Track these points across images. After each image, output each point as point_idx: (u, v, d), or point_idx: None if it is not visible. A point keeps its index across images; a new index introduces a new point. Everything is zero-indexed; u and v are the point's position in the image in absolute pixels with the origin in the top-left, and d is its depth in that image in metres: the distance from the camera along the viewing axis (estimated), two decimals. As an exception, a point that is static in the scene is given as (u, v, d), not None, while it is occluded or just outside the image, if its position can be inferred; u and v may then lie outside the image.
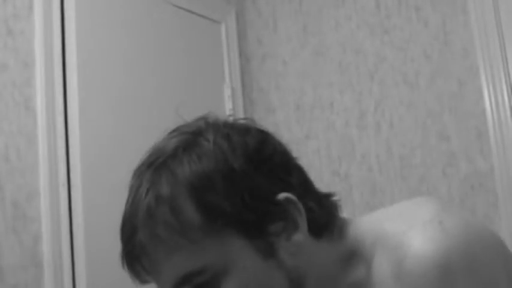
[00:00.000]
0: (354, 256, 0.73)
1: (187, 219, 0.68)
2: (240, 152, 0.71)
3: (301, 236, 0.71)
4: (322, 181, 2.44)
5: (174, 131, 0.75)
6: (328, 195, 0.78)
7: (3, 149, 1.70)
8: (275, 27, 2.69)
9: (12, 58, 1.76)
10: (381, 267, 0.69)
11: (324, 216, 0.74)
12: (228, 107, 2.54)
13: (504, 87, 2.17)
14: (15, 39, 1.78)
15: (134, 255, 0.70)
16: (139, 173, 0.72)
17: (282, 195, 0.71)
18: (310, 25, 2.60)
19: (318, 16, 2.59)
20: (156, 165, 0.71)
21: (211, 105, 2.47)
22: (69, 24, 1.90)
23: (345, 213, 0.80)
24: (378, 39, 2.43)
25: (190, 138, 0.72)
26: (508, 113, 2.15)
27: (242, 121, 0.78)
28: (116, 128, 2.00)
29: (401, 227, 0.69)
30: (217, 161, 0.69)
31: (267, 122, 2.63)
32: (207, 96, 2.46)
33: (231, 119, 0.77)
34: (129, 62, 2.11)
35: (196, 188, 0.68)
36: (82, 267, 1.79)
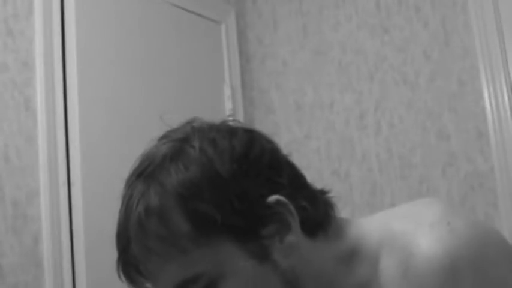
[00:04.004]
0: (355, 255, 0.73)
1: (177, 230, 0.68)
2: (227, 156, 0.70)
3: (294, 237, 0.71)
4: (322, 181, 2.44)
5: (162, 138, 0.75)
6: (322, 192, 0.77)
7: (3, 149, 1.70)
8: (275, 27, 2.69)
9: (12, 58, 1.76)
10: (388, 266, 0.69)
11: (317, 214, 0.74)
12: (228, 107, 2.54)
13: (504, 87, 2.17)
14: (15, 39, 1.78)
15: (130, 264, 0.70)
16: (130, 183, 0.72)
17: (272, 198, 0.70)
18: (310, 25, 2.60)
19: (318, 16, 2.59)
20: (145, 175, 0.71)
21: (211, 105, 2.48)
22: (69, 24, 1.90)
23: (344, 213, 0.80)
24: (378, 39, 2.43)
25: (176, 146, 0.72)
26: (508, 113, 2.15)
27: (228, 123, 0.77)
28: (115, 127, 2.00)
29: (409, 227, 0.69)
30: (203, 169, 0.69)
31: (267, 122, 2.63)
32: (207, 96, 2.46)
33: (217, 121, 0.77)
34: (129, 62, 2.11)
35: (185, 198, 0.68)
36: (82, 267, 1.79)
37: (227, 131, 0.74)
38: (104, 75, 2.00)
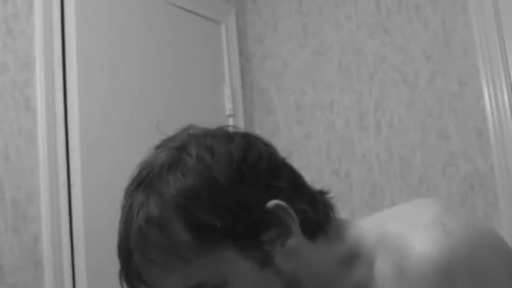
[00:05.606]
0: (355, 256, 0.73)
1: (178, 240, 0.68)
2: (224, 163, 0.70)
3: (295, 240, 0.71)
4: (322, 181, 2.44)
5: (159, 146, 0.75)
6: (321, 193, 0.78)
7: (3, 149, 1.70)
8: (275, 27, 2.69)
9: (12, 58, 1.76)
10: (383, 268, 0.69)
11: (317, 216, 0.74)
12: (228, 107, 2.54)
13: (504, 87, 2.17)
14: (15, 39, 1.78)
15: (132, 274, 0.71)
16: (129, 193, 0.72)
17: (272, 203, 0.70)
18: (310, 25, 2.60)
19: (318, 16, 2.59)
20: (144, 185, 0.71)
21: (211, 105, 2.48)
22: (69, 24, 1.90)
23: (344, 213, 0.79)
24: (378, 39, 2.43)
25: (174, 155, 0.72)
26: (508, 113, 2.15)
27: (225, 128, 0.77)
28: (115, 127, 2.00)
29: (404, 228, 0.69)
30: (201, 177, 0.69)
31: (267, 122, 2.63)
32: (207, 96, 2.46)
33: (213, 126, 0.76)
34: (129, 62, 2.11)
35: (184, 207, 0.68)
36: (82, 267, 1.79)
37: (224, 137, 0.74)
38: (104, 75, 2.00)
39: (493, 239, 0.68)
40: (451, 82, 2.28)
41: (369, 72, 2.44)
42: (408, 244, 0.66)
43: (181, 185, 0.69)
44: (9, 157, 1.71)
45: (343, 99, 2.49)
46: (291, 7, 2.66)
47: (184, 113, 2.20)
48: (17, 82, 1.76)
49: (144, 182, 0.71)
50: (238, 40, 2.68)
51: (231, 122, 2.49)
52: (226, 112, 2.52)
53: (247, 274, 0.69)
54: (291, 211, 0.71)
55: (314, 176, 2.43)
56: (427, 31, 2.34)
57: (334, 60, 2.53)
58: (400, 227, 0.70)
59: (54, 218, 1.77)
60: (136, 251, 0.69)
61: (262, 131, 2.53)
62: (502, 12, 2.20)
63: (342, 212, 0.79)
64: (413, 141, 2.33)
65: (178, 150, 0.72)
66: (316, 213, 0.74)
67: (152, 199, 0.69)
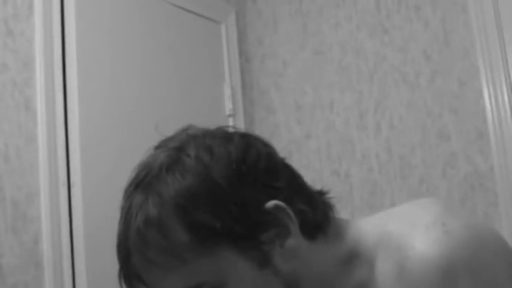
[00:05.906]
0: (355, 257, 0.73)
1: (176, 240, 0.68)
2: (223, 164, 0.70)
3: (294, 241, 0.71)
4: (322, 181, 2.44)
5: (158, 147, 0.75)
6: (321, 193, 0.77)
7: (3, 148, 1.70)
8: (275, 27, 2.69)
9: (12, 58, 1.76)
10: (384, 268, 0.69)
11: (316, 217, 0.74)
12: (228, 107, 2.54)
13: (504, 87, 2.17)
14: (15, 40, 1.78)
15: (132, 275, 0.71)
16: (128, 194, 0.72)
17: (270, 204, 0.70)
18: (310, 25, 2.60)
19: (318, 16, 2.59)
20: (142, 186, 0.71)
21: (211, 105, 2.48)
22: (69, 24, 1.90)
23: (344, 213, 0.79)
24: (378, 39, 2.43)
25: (173, 155, 0.72)
26: (508, 113, 2.15)
27: (224, 129, 0.77)
28: (115, 127, 2.00)
29: (404, 228, 0.69)
30: (200, 177, 0.69)
31: (267, 122, 2.63)
32: (207, 96, 2.46)
33: (212, 127, 0.76)
34: (129, 62, 2.11)
35: (183, 208, 0.68)
36: (82, 267, 1.79)
37: (222, 137, 0.74)
38: (104, 75, 2.00)
39: (494, 239, 0.68)
40: (451, 82, 2.28)
41: (369, 72, 2.44)
42: (409, 244, 0.66)
43: (180, 185, 0.69)
44: (9, 157, 1.71)
45: (343, 99, 2.49)
46: (291, 7, 2.66)
47: (184, 113, 2.20)
48: (17, 82, 1.76)
49: (143, 182, 0.71)
50: (238, 40, 2.68)
51: (231, 122, 2.50)
52: (226, 112, 2.52)
53: (246, 274, 0.69)
54: (290, 211, 0.71)
55: (314, 176, 2.43)
56: (427, 31, 2.34)
57: (334, 60, 2.53)
58: (400, 227, 0.70)
59: (54, 218, 1.77)
60: (135, 251, 0.69)
61: (262, 131, 2.53)
62: (502, 12, 2.20)
63: (342, 212, 0.79)
64: (413, 141, 2.33)
65: (177, 151, 0.72)
66: (315, 214, 0.74)
67: (151, 200, 0.69)
